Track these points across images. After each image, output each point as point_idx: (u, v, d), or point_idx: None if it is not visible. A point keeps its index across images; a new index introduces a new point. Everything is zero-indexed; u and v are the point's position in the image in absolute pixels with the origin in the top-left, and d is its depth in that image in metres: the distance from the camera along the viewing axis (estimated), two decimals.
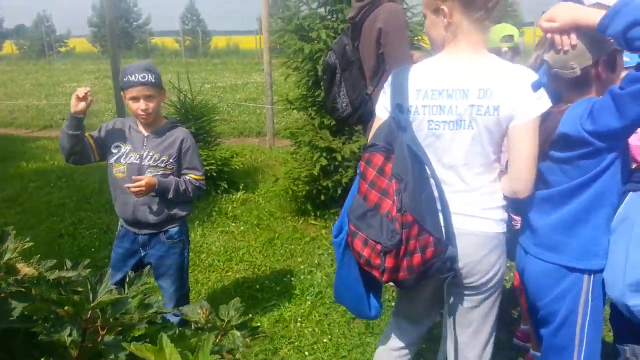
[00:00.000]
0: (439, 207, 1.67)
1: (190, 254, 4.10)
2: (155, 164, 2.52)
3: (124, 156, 2.54)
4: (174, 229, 2.61)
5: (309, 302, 3.37)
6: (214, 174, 5.39)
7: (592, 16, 1.53)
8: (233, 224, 4.79)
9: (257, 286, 3.61)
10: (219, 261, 4.03)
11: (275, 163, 6.90)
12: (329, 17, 4.87)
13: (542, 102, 1.60)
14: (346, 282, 1.81)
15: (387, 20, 3.15)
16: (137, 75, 2.47)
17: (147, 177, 2.44)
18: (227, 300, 3.56)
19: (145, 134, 2.56)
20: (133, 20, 41.57)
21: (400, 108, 1.68)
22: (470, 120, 1.62)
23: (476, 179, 1.69)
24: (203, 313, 1.30)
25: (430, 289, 1.82)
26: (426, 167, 1.63)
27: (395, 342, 2.02)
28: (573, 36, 1.60)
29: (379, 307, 1.86)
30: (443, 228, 1.65)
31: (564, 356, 1.76)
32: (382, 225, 1.58)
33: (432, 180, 1.66)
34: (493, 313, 1.83)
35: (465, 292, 1.78)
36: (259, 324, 3.11)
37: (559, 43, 1.62)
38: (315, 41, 4.70)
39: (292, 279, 3.71)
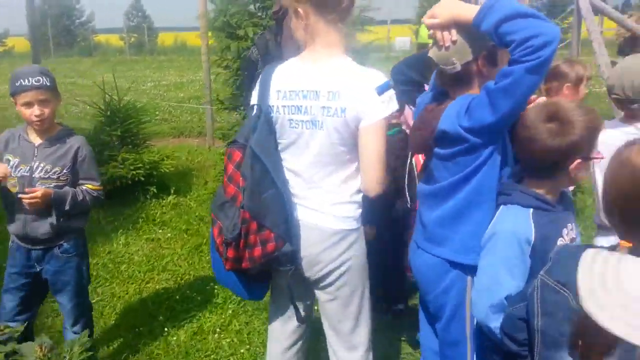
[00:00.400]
0: (293, 202, 1.77)
1: (110, 265, 3.96)
2: (46, 176, 2.34)
3: (13, 169, 2.35)
4: (69, 243, 2.43)
5: (230, 311, 3.25)
6: (142, 179, 5.17)
7: (470, 12, 1.54)
8: (160, 231, 4.60)
9: (178, 297, 3.45)
10: (139, 272, 3.84)
11: (212, 165, 6.72)
12: (258, 14, 4.75)
13: (388, 105, 1.65)
14: (218, 265, 1.85)
15: None
16: (30, 79, 2.28)
17: (42, 189, 2.27)
18: (144, 315, 3.35)
19: (37, 143, 2.37)
20: (75, 17, 40.04)
21: (257, 109, 1.77)
22: (322, 121, 1.67)
23: (327, 177, 1.75)
24: (41, 351, 1.18)
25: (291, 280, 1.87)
26: (269, 168, 1.69)
27: (280, 343, 2.03)
28: (453, 32, 1.60)
29: (260, 289, 1.95)
30: (289, 223, 1.74)
31: (458, 350, 1.78)
32: (234, 217, 1.69)
33: (287, 176, 1.78)
34: (352, 310, 1.87)
35: (315, 284, 1.87)
36: (172, 337, 2.98)
37: (440, 39, 1.62)
38: (243, 39, 4.57)
39: (216, 287, 3.56)
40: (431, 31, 1.64)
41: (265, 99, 1.76)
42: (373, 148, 1.67)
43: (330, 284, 1.83)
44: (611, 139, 2.12)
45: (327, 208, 1.76)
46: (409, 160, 2.54)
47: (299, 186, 1.78)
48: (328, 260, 1.78)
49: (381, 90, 1.63)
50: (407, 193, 2.56)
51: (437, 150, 1.71)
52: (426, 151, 1.79)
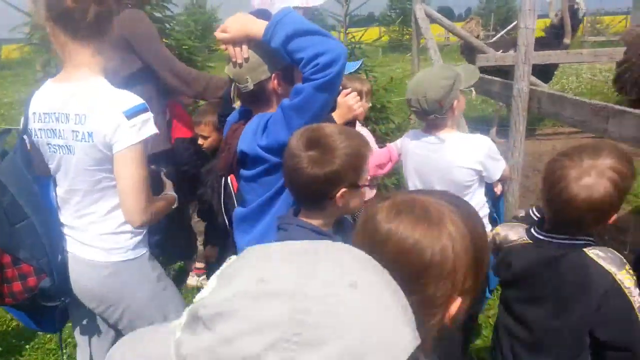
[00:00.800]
0: (60, 231, 1.68)
1: None
2: None
3: None
4: None
5: (65, 357, 2.91)
6: None
7: (260, 27, 1.48)
8: None
9: (2, 348, 3.03)
10: None
11: None
12: None
13: (140, 130, 1.55)
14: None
15: (133, 27, 2.86)
16: None
17: None
18: None
19: None
20: None
21: (17, 132, 1.71)
22: (73, 146, 1.60)
23: (93, 205, 1.68)
24: None
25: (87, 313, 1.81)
26: (17, 197, 1.57)
27: None
28: (245, 48, 1.53)
29: (51, 321, 1.83)
30: (52, 255, 1.63)
31: None
32: None
33: (59, 204, 1.68)
34: None
35: (104, 320, 1.78)
36: None
37: (233, 55, 1.54)
38: None
39: None
40: (222, 46, 1.56)
41: (25, 123, 1.67)
42: (126, 176, 1.57)
43: (118, 320, 1.74)
44: (416, 148, 2.24)
45: (94, 239, 1.67)
46: (223, 181, 2.45)
47: (68, 214, 1.70)
48: (102, 295, 1.69)
49: (130, 114, 1.53)
50: (224, 214, 2.47)
51: (242, 171, 1.64)
52: (232, 173, 1.72)
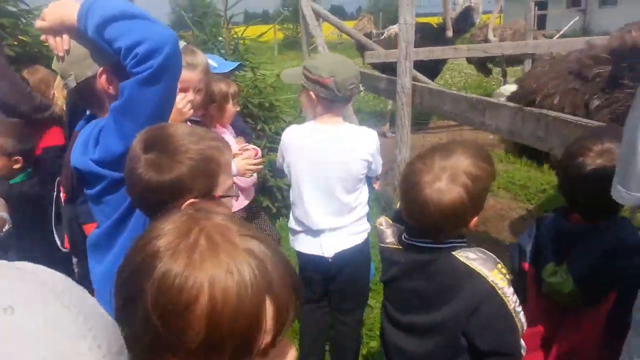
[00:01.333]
0: None
1: None
2: None
3: None
4: None
5: None
6: None
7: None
8: None
9: None
10: None
11: None
12: None
13: None
14: None
15: None
16: None
17: None
18: None
19: None
20: None
21: None
22: None
23: None
24: None
25: None
26: None
27: None
28: (65, 38, 1.29)
29: None
30: None
31: None
32: None
33: None
34: None
35: None
36: None
37: (54, 47, 1.30)
38: None
39: None
40: (43, 37, 1.32)
41: None
42: None
43: None
44: (309, 141, 2.07)
45: None
46: (55, 194, 2.13)
47: None
48: None
49: None
50: (55, 234, 2.16)
51: (85, 191, 1.39)
52: (74, 192, 1.47)
